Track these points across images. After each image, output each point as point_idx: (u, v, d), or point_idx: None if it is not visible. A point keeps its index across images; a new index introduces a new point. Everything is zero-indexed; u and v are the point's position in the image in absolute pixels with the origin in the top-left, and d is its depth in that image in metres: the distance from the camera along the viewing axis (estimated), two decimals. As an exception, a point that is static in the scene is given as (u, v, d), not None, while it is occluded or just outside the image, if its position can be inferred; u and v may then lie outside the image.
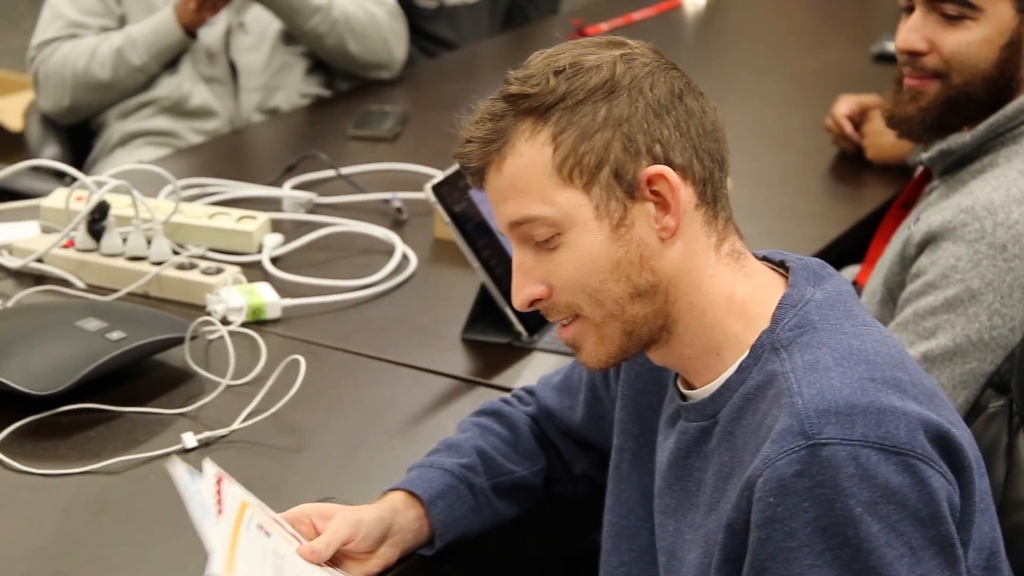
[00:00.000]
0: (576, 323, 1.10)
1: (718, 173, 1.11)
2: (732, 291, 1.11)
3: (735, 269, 1.12)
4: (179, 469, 1.07)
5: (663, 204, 1.04)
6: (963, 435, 1.04)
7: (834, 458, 0.96)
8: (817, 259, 1.16)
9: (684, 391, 1.15)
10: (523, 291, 1.10)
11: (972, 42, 1.70)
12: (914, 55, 1.71)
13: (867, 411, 0.97)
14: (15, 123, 3.64)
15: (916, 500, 0.96)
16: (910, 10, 1.71)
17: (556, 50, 1.11)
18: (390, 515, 1.23)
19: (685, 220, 1.06)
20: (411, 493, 1.26)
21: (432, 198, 1.76)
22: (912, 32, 1.71)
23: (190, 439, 1.42)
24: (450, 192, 1.78)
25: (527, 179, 1.07)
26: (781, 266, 1.13)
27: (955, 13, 1.68)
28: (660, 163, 1.04)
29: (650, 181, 1.04)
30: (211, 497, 1.11)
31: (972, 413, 1.49)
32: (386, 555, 1.23)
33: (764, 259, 1.15)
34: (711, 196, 1.08)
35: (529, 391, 1.47)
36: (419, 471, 1.33)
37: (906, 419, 0.98)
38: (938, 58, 1.71)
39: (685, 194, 1.05)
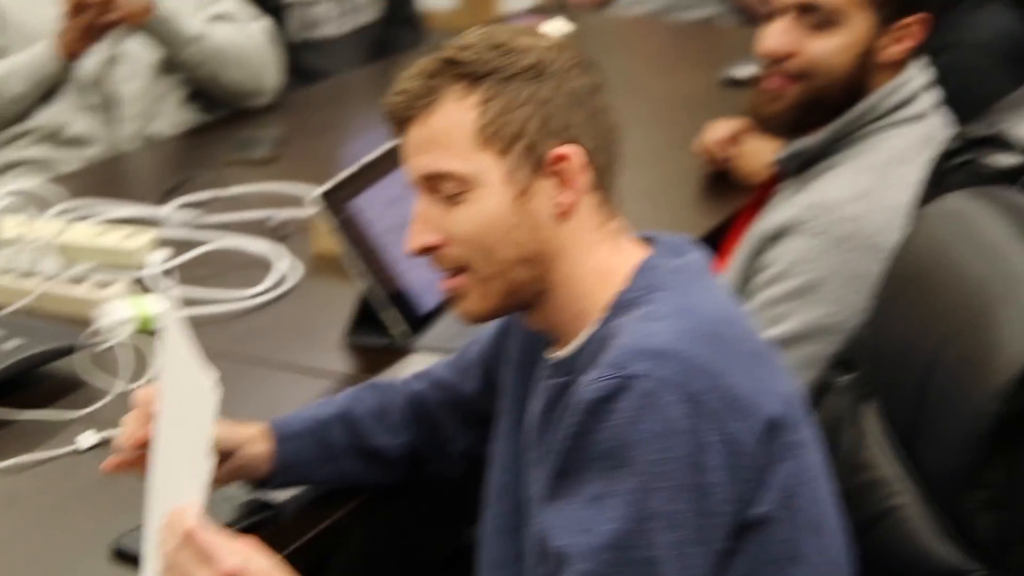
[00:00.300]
0: (462, 276, 1.17)
1: (614, 165, 1.20)
2: (606, 265, 1.20)
3: (612, 246, 1.20)
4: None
5: (564, 182, 1.13)
6: (771, 397, 1.14)
7: (637, 390, 1.05)
8: (686, 237, 1.27)
9: (550, 356, 1.24)
10: (420, 238, 1.17)
11: (833, 49, 1.80)
12: (778, 59, 1.83)
13: (678, 358, 1.06)
14: None
15: (690, 447, 1.06)
16: (775, 15, 1.84)
17: (494, 29, 1.20)
18: (240, 440, 1.33)
19: (580, 200, 1.15)
20: (271, 429, 1.37)
21: (321, 204, 1.82)
22: (778, 36, 1.83)
23: (85, 439, 1.47)
24: (335, 201, 1.83)
25: (449, 136, 1.16)
26: (644, 244, 1.23)
27: (821, 21, 1.80)
28: (569, 145, 1.14)
29: (557, 160, 1.13)
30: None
31: (823, 389, 1.58)
32: (220, 475, 1.30)
33: (644, 239, 1.25)
34: (606, 183, 1.16)
35: (426, 371, 1.55)
36: (288, 416, 1.43)
37: (709, 377, 1.07)
38: (801, 62, 1.82)
39: (585, 177, 1.13)
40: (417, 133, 1.16)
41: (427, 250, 1.19)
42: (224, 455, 1.28)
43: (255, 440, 1.35)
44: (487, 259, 1.16)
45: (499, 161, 1.14)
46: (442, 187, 1.15)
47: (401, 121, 1.18)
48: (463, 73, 1.14)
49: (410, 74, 1.17)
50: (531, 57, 1.15)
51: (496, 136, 1.15)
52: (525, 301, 1.19)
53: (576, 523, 1.09)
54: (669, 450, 1.06)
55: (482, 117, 1.13)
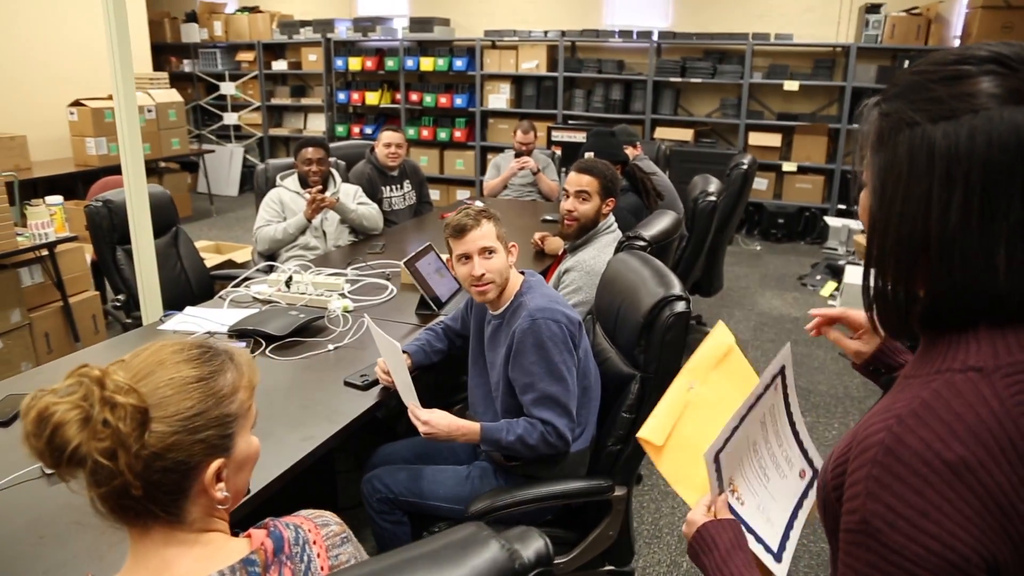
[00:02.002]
0: (490, 286, 1.83)
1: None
2: (514, 281, 1.87)
3: (516, 276, 1.88)
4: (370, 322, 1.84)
5: (511, 255, 1.85)
6: (575, 317, 1.80)
7: (539, 320, 1.75)
8: (534, 271, 1.93)
9: (492, 312, 1.90)
10: (478, 271, 1.80)
11: (589, 208, 2.69)
12: (569, 212, 2.70)
13: (546, 308, 1.77)
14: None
15: (561, 335, 1.74)
16: (568, 195, 2.67)
17: (481, 204, 1.90)
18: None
19: (514, 264, 1.86)
20: (408, 351, 2.03)
21: (405, 265, 2.63)
22: (568, 204, 2.69)
23: (330, 344, 2.29)
24: (409, 264, 2.62)
25: (489, 233, 1.83)
26: (523, 274, 1.90)
27: (584, 197, 2.66)
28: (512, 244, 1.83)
29: (512, 250, 1.87)
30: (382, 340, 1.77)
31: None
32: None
33: (521, 272, 1.90)
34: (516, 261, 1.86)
35: (444, 320, 2.19)
36: (411, 343, 2.07)
37: (557, 313, 1.77)
38: (577, 214, 2.69)
39: (515, 256, 1.85)
40: (475, 233, 1.83)
41: (482, 276, 1.81)
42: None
43: (407, 359, 1.97)
44: (499, 277, 1.84)
45: (502, 245, 1.85)
46: (486, 251, 1.82)
47: (465, 229, 1.83)
48: (488, 216, 1.86)
49: (471, 213, 1.84)
50: (496, 215, 1.86)
51: (498, 236, 1.84)
52: (502, 291, 1.86)
53: (527, 374, 1.73)
54: (553, 337, 1.73)
55: (496, 229, 1.85)
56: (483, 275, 1.81)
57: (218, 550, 0.87)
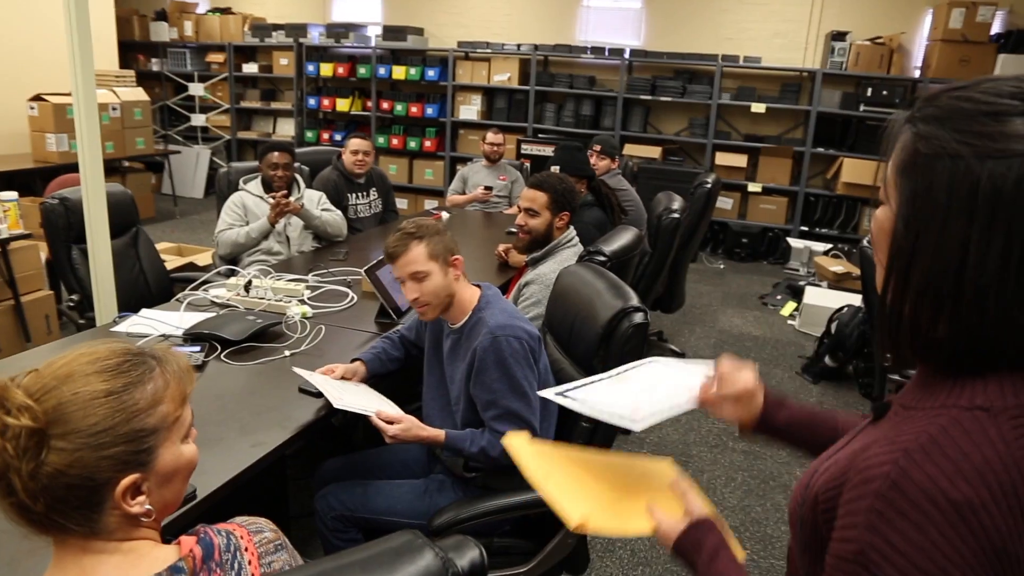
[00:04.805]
0: (426, 307, 1.83)
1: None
2: (470, 294, 1.86)
3: (471, 288, 1.88)
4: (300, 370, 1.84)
5: (456, 268, 1.82)
6: (534, 332, 1.82)
7: (500, 337, 1.75)
8: (491, 284, 1.93)
9: (451, 326, 1.89)
10: (411, 296, 1.82)
11: (539, 223, 2.75)
12: (521, 227, 2.77)
13: (508, 325, 1.78)
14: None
15: (521, 351, 1.75)
16: (520, 210, 2.74)
17: (420, 219, 1.83)
18: (355, 366, 2.01)
19: (460, 274, 1.84)
20: (362, 359, 2.03)
21: (366, 273, 2.65)
22: (519, 219, 2.76)
23: (284, 353, 2.24)
24: (370, 272, 2.60)
25: (417, 258, 1.80)
26: (479, 287, 1.88)
27: (532, 213, 2.73)
28: (457, 256, 1.79)
29: (455, 261, 1.81)
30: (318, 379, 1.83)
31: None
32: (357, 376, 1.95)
33: (477, 284, 1.89)
34: (464, 271, 1.84)
35: (401, 329, 2.17)
36: (366, 352, 2.06)
37: (517, 329, 1.78)
38: (529, 228, 2.76)
39: (460, 268, 1.80)
40: (404, 259, 1.80)
41: (415, 300, 1.84)
42: (353, 372, 1.97)
43: (359, 366, 2.02)
44: (436, 299, 1.84)
45: (436, 264, 1.82)
46: (417, 275, 1.80)
47: (395, 256, 1.82)
48: (416, 236, 1.80)
49: (398, 237, 1.81)
50: (434, 228, 1.82)
51: (431, 256, 1.81)
52: (445, 308, 1.87)
53: (490, 392, 1.74)
54: (515, 354, 1.73)
55: (427, 250, 1.80)
56: (417, 298, 1.81)
57: (141, 558, 0.84)
